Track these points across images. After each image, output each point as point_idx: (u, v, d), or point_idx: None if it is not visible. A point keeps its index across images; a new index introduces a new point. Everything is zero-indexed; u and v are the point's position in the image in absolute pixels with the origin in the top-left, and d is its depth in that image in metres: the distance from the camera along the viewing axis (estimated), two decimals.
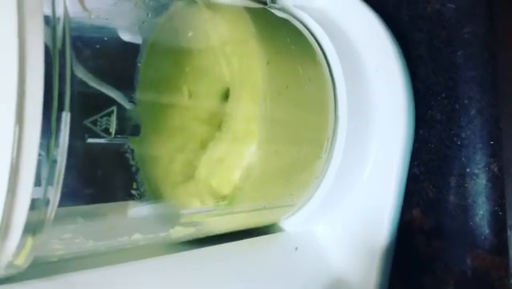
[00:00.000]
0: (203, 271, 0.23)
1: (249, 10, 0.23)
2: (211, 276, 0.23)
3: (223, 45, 0.22)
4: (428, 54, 0.28)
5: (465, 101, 0.26)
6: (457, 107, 0.27)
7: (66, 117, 0.15)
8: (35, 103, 0.15)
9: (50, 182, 0.16)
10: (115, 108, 0.18)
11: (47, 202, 0.16)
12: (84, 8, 0.18)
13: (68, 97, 0.15)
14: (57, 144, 0.15)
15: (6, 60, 0.14)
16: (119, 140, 0.20)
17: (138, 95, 0.21)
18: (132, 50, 0.24)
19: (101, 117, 0.18)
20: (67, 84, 0.15)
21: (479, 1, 0.26)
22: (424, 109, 0.28)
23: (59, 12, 0.16)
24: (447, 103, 0.27)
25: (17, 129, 0.14)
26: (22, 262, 0.16)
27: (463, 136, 0.26)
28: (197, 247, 0.24)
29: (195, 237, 0.24)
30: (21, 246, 0.16)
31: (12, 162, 0.14)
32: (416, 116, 0.28)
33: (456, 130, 0.27)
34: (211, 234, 0.24)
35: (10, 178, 0.14)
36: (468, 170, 0.26)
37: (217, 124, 0.22)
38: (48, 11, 0.16)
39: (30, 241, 0.16)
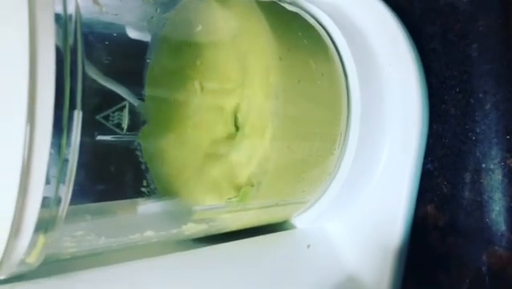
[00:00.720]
0: (215, 268, 0.23)
1: (259, 3, 0.23)
2: (223, 273, 0.23)
3: (235, 40, 0.22)
4: (442, 47, 0.27)
5: (480, 95, 0.26)
6: (472, 101, 0.26)
7: (77, 116, 0.15)
8: (47, 101, 0.14)
9: (61, 180, 0.16)
10: (127, 103, 0.18)
11: (59, 200, 0.16)
12: (96, 2, 0.18)
13: (80, 95, 0.15)
14: (69, 143, 0.15)
15: (17, 58, 0.14)
16: (130, 137, 0.20)
17: (148, 90, 0.21)
18: (141, 45, 0.24)
19: (113, 112, 0.17)
20: (79, 82, 0.15)
21: None
22: (438, 104, 0.27)
23: (71, 9, 0.16)
24: (461, 97, 0.27)
25: (28, 128, 0.14)
26: (33, 259, 0.16)
27: (478, 130, 0.26)
28: (209, 244, 0.24)
29: (207, 234, 0.23)
30: (32, 243, 0.16)
31: (23, 161, 0.14)
32: (429, 111, 0.27)
33: (471, 125, 0.26)
34: (223, 230, 0.24)
35: (21, 177, 0.14)
36: (483, 165, 0.26)
37: (228, 119, 0.21)
38: (59, 8, 0.16)
39: (41, 239, 0.16)
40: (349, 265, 0.27)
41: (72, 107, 0.15)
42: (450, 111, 0.27)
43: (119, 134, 0.18)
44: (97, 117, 0.17)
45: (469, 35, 0.26)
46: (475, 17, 0.26)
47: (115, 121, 0.18)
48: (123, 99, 0.18)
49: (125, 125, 0.18)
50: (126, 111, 0.18)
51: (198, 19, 0.22)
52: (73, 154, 0.15)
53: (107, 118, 0.17)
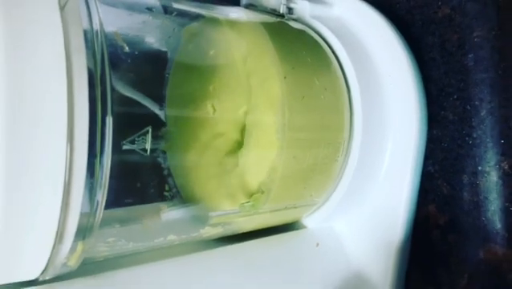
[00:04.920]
0: (229, 267, 0.25)
1: (266, 25, 0.25)
2: (238, 272, 0.25)
3: (243, 62, 0.24)
4: (441, 57, 0.29)
5: (476, 102, 0.27)
6: (469, 108, 0.27)
7: (109, 121, 0.17)
8: (83, 110, 0.16)
9: (98, 185, 0.17)
10: (150, 128, 0.20)
11: (96, 204, 0.18)
12: (121, 42, 0.20)
13: (110, 103, 0.17)
14: (102, 149, 0.17)
15: (53, 71, 0.16)
16: (153, 156, 0.22)
17: (168, 110, 0.23)
18: (161, 62, 0.26)
19: (138, 136, 0.20)
20: (108, 92, 0.17)
21: (488, 6, 0.27)
22: (437, 110, 0.29)
23: (95, 26, 0.18)
24: (459, 104, 0.28)
25: (68, 148, 0.16)
26: (74, 262, 0.19)
27: (474, 135, 0.27)
28: (225, 243, 0.25)
29: (223, 235, 0.26)
30: (73, 249, 0.18)
31: (65, 184, 0.16)
32: (429, 117, 0.29)
33: (467, 130, 0.27)
34: (237, 232, 0.26)
35: (63, 195, 0.16)
36: (480, 168, 0.27)
37: (240, 134, 0.24)
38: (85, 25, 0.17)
39: (80, 245, 0.18)
40: (355, 261, 0.29)
41: (104, 113, 0.17)
42: (448, 117, 0.28)
43: (143, 151, 0.20)
44: (123, 142, 0.20)
45: (466, 46, 0.28)
46: (471, 28, 0.28)
47: (140, 146, 0.20)
48: (147, 123, 0.20)
49: (148, 148, 0.20)
50: (149, 136, 0.20)
51: (209, 43, 0.24)
52: (107, 158, 0.17)
53: (132, 142, 0.20)
